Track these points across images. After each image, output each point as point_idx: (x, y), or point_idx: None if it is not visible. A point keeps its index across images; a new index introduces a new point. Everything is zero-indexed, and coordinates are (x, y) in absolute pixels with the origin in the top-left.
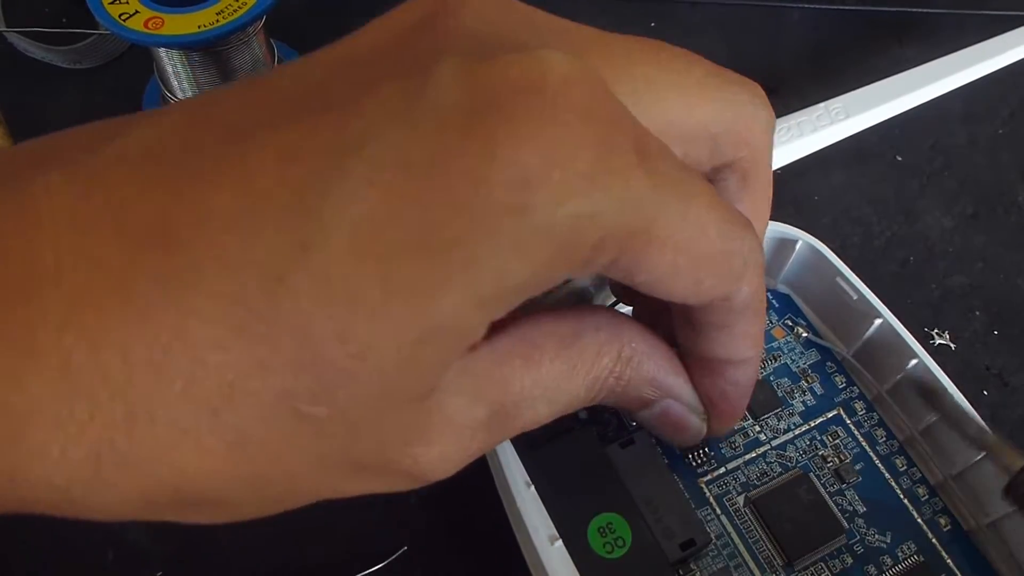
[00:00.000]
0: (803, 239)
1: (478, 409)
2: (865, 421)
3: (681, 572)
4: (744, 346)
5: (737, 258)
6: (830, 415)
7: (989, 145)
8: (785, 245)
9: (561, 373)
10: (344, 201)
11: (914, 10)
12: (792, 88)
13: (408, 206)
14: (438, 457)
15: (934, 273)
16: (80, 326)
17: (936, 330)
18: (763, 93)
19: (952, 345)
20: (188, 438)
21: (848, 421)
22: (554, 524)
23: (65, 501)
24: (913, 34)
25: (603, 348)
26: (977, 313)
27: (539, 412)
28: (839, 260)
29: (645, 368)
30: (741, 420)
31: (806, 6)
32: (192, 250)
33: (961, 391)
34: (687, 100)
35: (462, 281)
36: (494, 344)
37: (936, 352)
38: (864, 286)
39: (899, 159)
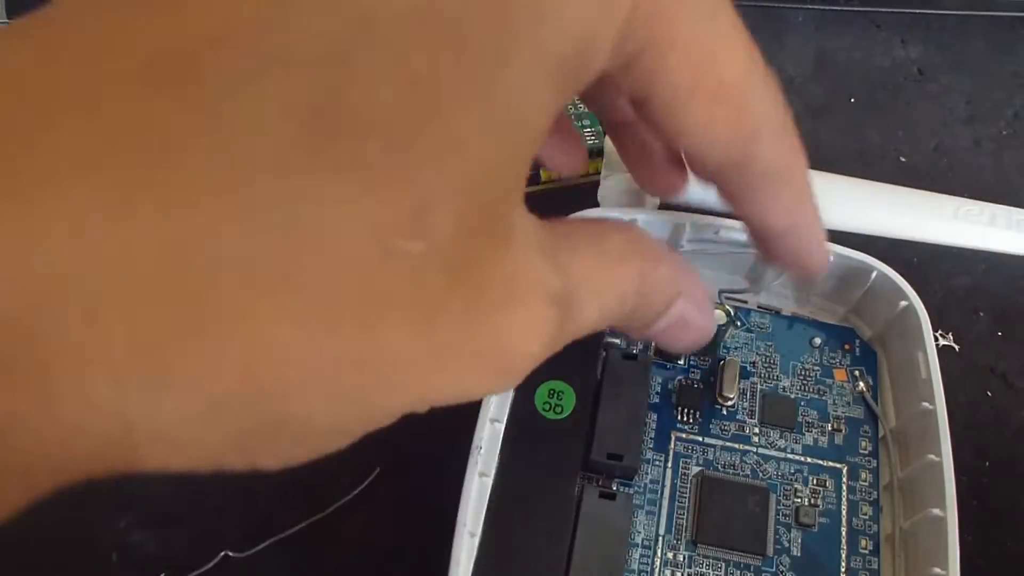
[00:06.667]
0: (911, 302)
1: (553, 277)
2: (861, 492)
3: (594, 477)
4: (780, 218)
5: (759, 105)
6: (832, 465)
7: (993, 147)
8: (889, 301)
9: (599, 269)
10: None
11: (918, 11)
12: (796, 90)
13: None
14: (521, 331)
15: (938, 274)
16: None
17: (940, 331)
18: None
19: (956, 347)
20: (267, 300)
21: (845, 481)
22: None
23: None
24: (917, 35)
25: (627, 246)
26: (981, 314)
27: (591, 313)
28: (930, 334)
29: (663, 268)
30: (748, 417)
31: (810, 7)
32: (234, 38)
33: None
34: None
35: (534, 40)
36: (546, 229)
37: (941, 354)
38: (937, 370)
39: (903, 160)
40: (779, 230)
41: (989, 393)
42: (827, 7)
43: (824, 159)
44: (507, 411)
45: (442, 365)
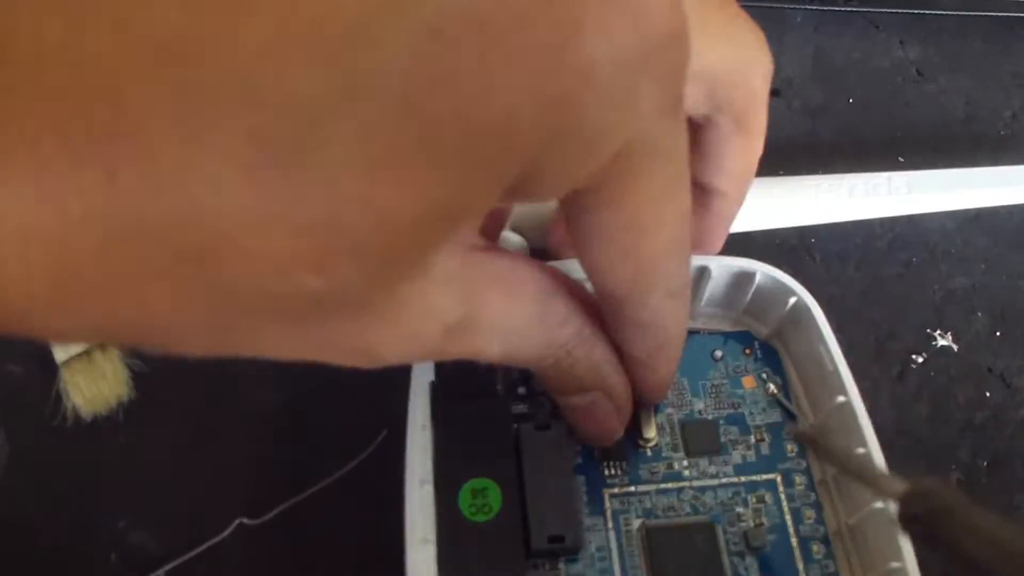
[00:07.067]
0: (800, 296)
1: (452, 313)
2: (800, 497)
3: (545, 565)
4: (639, 352)
5: (668, 272)
6: (766, 478)
7: (992, 147)
8: (779, 299)
9: (529, 320)
10: (405, 43)
11: (916, 12)
12: (795, 90)
13: (467, 60)
14: (395, 340)
15: (936, 274)
16: (63, 129)
17: (939, 331)
18: (764, 38)
19: (954, 346)
20: (161, 279)
21: (782, 490)
22: (434, 470)
23: (23, 323)
24: (916, 35)
25: (570, 317)
26: (979, 314)
27: (492, 347)
28: (826, 324)
29: (596, 354)
30: (673, 451)
31: (809, 8)
32: (213, 71)
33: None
34: (707, 39)
35: (501, 158)
36: (489, 258)
37: (939, 354)
38: (842, 360)
39: (901, 160)
40: (636, 360)
41: (987, 393)
42: (826, 7)
43: (822, 159)
44: (434, 528)
45: (314, 351)
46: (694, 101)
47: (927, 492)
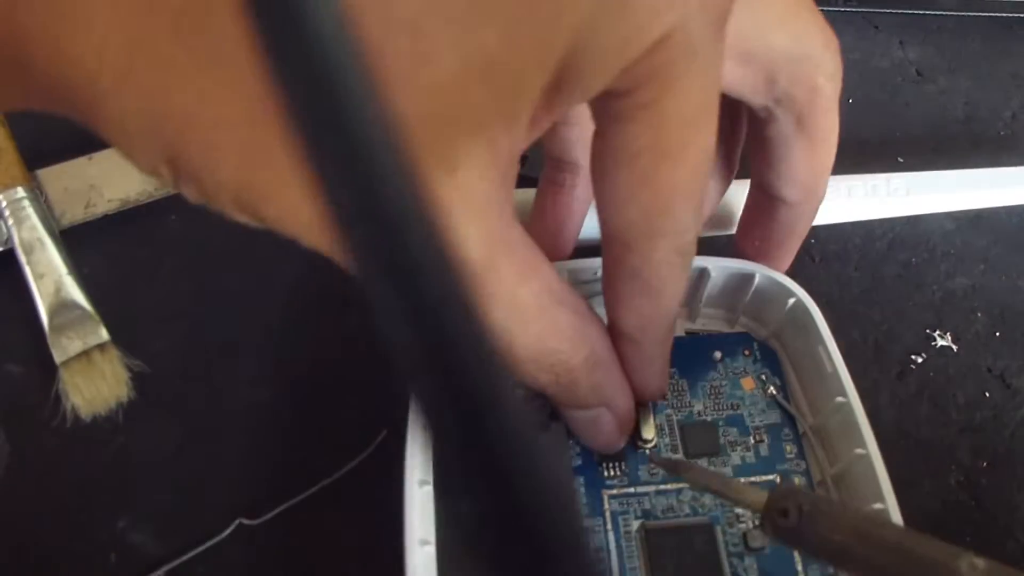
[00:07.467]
0: (799, 297)
1: (468, 249)
2: None
3: None
4: (630, 318)
5: (678, 215)
6: (766, 478)
7: (991, 147)
8: (778, 300)
9: (530, 315)
10: None
11: (916, 12)
12: None
13: None
14: None
15: (936, 275)
16: None
17: (938, 332)
18: (837, 45)
19: (954, 347)
20: (225, 66)
21: None
22: (434, 470)
23: (88, 94)
24: (915, 36)
25: (573, 338)
26: (979, 315)
27: (489, 316)
28: (825, 325)
29: (597, 375)
30: (672, 452)
31: None
32: None
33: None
34: (772, 22)
35: (549, 21)
36: (514, 226)
37: (939, 354)
38: (841, 360)
39: (901, 161)
40: (627, 336)
41: (987, 394)
42: (825, 8)
43: None
44: (434, 528)
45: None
46: (753, 87)
47: (789, 494)
